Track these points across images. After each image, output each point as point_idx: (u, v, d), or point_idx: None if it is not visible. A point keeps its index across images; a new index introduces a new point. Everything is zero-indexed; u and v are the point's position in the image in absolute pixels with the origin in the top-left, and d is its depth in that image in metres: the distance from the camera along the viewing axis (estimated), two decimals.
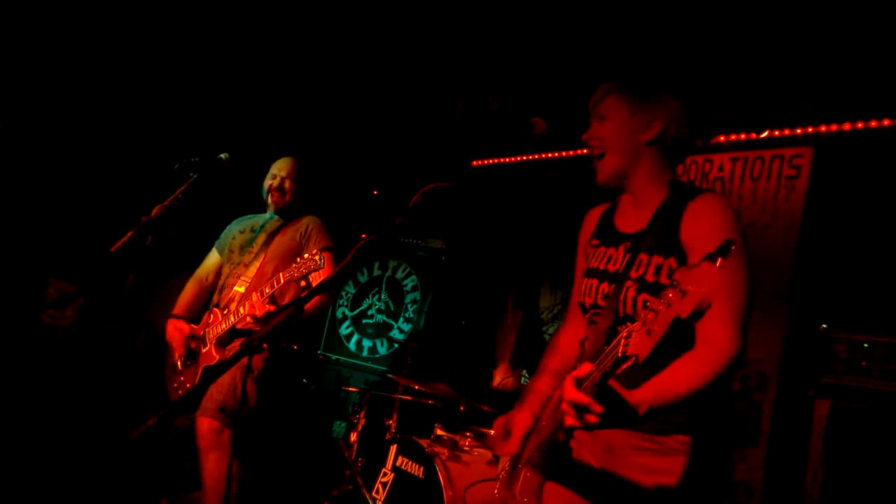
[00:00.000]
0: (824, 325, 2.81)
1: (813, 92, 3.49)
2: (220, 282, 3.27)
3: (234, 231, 3.42)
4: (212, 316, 3.13)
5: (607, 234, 1.73)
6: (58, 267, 4.92)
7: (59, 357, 4.65)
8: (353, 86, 4.92)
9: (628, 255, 1.62)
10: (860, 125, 3.30)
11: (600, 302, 1.64)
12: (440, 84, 4.49)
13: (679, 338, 1.32)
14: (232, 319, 3.02)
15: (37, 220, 4.86)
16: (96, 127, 5.05)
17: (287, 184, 3.33)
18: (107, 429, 3.58)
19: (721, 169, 3.79)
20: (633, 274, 1.57)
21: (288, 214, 3.35)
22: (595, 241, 1.76)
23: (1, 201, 4.69)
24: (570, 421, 1.35)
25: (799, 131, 3.51)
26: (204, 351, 3.08)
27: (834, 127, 3.39)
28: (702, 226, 1.52)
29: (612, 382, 1.30)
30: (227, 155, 3.13)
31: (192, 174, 2.85)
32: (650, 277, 1.54)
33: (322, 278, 2.88)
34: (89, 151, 5.06)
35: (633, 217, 1.68)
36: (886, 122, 3.21)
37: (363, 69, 4.71)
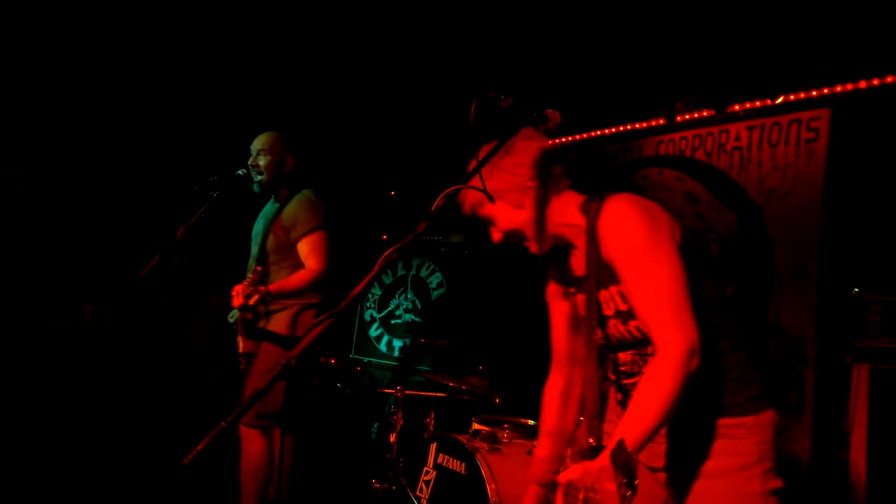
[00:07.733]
0: (857, 289, 2.78)
1: (825, 52, 3.43)
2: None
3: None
4: None
5: (571, 279, 1.72)
6: (90, 293, 5.06)
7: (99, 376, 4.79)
8: (367, 88, 4.94)
9: (592, 297, 1.60)
10: (876, 82, 3.23)
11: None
12: (454, 82, 4.48)
13: None
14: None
15: (67, 251, 4.99)
16: (111, 159, 5.16)
17: (262, 160, 3.18)
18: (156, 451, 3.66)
19: (738, 138, 3.74)
20: (608, 312, 1.58)
21: (276, 193, 3.27)
22: (572, 290, 1.75)
23: (27, 235, 4.82)
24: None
25: (814, 93, 3.45)
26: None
27: (850, 86, 3.33)
28: (608, 242, 1.50)
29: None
30: (244, 171, 3.20)
31: (212, 193, 2.92)
32: (623, 306, 1.55)
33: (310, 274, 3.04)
34: (111, 184, 5.19)
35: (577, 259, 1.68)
36: None
37: (377, 71, 4.73)
